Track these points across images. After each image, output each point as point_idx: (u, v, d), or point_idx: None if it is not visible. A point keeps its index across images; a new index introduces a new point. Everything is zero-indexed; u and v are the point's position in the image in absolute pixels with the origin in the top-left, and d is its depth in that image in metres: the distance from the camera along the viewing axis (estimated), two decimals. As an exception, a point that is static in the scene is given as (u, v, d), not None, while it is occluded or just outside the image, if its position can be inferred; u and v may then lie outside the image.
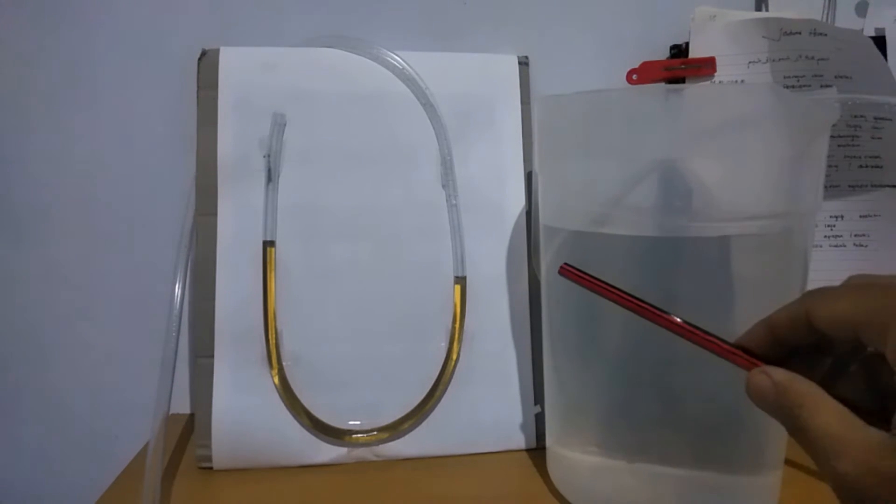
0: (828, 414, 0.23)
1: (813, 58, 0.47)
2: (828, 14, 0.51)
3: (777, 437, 0.38)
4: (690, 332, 0.29)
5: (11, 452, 0.54)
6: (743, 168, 0.34)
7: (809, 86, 0.47)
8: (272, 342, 0.46)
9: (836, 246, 0.49)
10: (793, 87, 0.48)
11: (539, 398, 0.48)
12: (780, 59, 0.48)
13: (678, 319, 0.29)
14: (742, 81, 0.49)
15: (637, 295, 0.30)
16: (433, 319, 0.48)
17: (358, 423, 0.46)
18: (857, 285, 0.25)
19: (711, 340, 0.28)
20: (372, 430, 0.46)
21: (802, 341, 0.26)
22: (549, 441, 0.44)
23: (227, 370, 0.46)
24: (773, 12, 0.52)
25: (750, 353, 0.27)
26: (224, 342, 0.46)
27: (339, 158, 0.48)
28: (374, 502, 0.42)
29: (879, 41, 0.50)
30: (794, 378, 0.25)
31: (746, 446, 0.37)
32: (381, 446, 0.46)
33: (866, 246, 0.49)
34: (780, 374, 0.25)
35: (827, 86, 0.47)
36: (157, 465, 0.41)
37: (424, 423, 0.47)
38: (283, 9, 0.52)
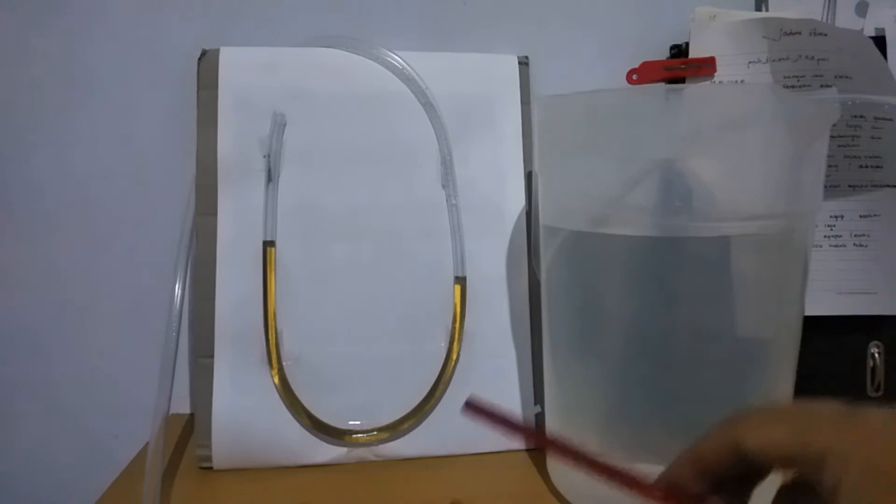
0: None
1: (813, 58, 0.47)
2: (828, 14, 0.51)
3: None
4: (593, 467, 0.26)
5: (12, 452, 0.54)
6: (743, 168, 0.34)
7: (809, 86, 0.47)
8: (272, 342, 0.46)
9: (836, 246, 0.49)
10: (793, 87, 0.48)
11: (539, 398, 0.47)
12: (780, 59, 0.48)
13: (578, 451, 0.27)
14: (742, 81, 0.49)
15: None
16: (433, 319, 0.48)
17: (358, 423, 0.46)
18: (788, 411, 0.24)
19: (628, 479, 0.26)
20: (372, 430, 0.46)
21: (730, 471, 0.25)
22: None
23: (227, 370, 0.46)
24: (773, 12, 0.52)
25: (674, 489, 0.25)
26: (224, 342, 0.46)
27: (339, 158, 0.48)
28: (374, 502, 0.42)
29: (879, 41, 0.50)
30: None
31: (746, 446, 0.37)
32: (381, 446, 0.46)
33: (866, 246, 0.49)
34: None
35: (827, 86, 0.47)
36: (157, 465, 0.41)
37: (424, 423, 0.47)
38: (282, 8, 0.52)
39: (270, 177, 0.47)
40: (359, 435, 0.46)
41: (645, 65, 0.51)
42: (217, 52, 0.48)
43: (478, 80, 0.50)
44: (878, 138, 0.48)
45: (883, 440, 0.21)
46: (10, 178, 0.52)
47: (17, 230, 0.53)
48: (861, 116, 0.48)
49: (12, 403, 0.54)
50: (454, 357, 0.47)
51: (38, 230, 0.53)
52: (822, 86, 0.47)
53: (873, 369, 0.50)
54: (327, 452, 0.46)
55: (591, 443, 0.40)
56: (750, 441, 0.23)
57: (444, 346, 0.48)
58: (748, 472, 0.24)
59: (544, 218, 0.41)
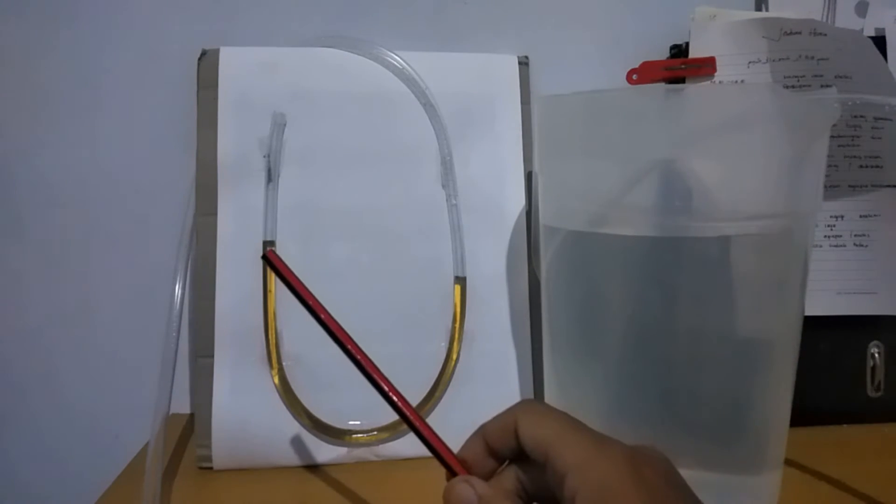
0: None
1: (813, 58, 0.47)
2: (828, 14, 0.51)
3: (777, 437, 0.38)
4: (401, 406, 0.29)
5: (12, 452, 0.54)
6: (743, 168, 0.34)
7: (809, 86, 0.47)
8: (272, 342, 0.46)
9: (836, 246, 0.49)
10: (793, 87, 0.48)
11: (539, 398, 0.47)
12: (780, 59, 0.48)
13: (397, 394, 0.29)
14: (742, 81, 0.49)
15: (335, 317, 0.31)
16: (433, 319, 0.48)
17: (358, 423, 0.46)
18: (562, 418, 0.26)
19: (427, 433, 0.28)
20: (372, 430, 0.46)
21: (511, 452, 0.27)
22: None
23: (227, 370, 0.46)
24: (773, 12, 0.52)
25: (462, 463, 0.28)
26: (224, 342, 0.46)
27: (339, 158, 0.48)
28: (373, 502, 0.42)
29: (879, 41, 0.50)
30: (496, 495, 0.26)
31: (746, 446, 0.37)
32: (381, 446, 0.46)
33: (866, 246, 0.49)
34: (482, 486, 0.26)
35: (827, 86, 0.47)
36: (157, 465, 0.41)
37: (424, 423, 0.47)
38: (282, 8, 0.52)
39: (270, 177, 0.47)
40: (359, 435, 0.46)
41: (645, 65, 0.51)
42: (217, 52, 0.48)
43: (478, 80, 0.50)
44: (878, 138, 0.48)
45: (620, 472, 0.23)
46: (11, 177, 0.52)
47: (17, 230, 0.53)
48: (861, 116, 0.48)
49: (13, 403, 0.54)
50: (454, 357, 0.47)
51: (39, 230, 0.53)
52: (822, 86, 0.47)
53: (873, 369, 0.50)
54: (327, 452, 0.46)
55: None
56: (522, 428, 0.26)
57: (444, 346, 0.48)
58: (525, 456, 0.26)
59: (544, 218, 0.41)
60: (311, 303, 0.30)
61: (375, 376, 0.29)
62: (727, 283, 0.36)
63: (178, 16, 0.51)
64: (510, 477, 0.27)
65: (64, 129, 0.52)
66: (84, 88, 0.52)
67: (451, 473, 0.27)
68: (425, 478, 0.44)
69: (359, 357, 0.29)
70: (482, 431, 0.28)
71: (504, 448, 0.27)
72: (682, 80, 0.50)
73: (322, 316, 0.30)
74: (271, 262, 0.30)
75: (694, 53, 0.50)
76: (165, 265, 0.47)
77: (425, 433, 0.28)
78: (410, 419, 0.28)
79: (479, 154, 0.50)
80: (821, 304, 0.48)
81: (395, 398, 0.29)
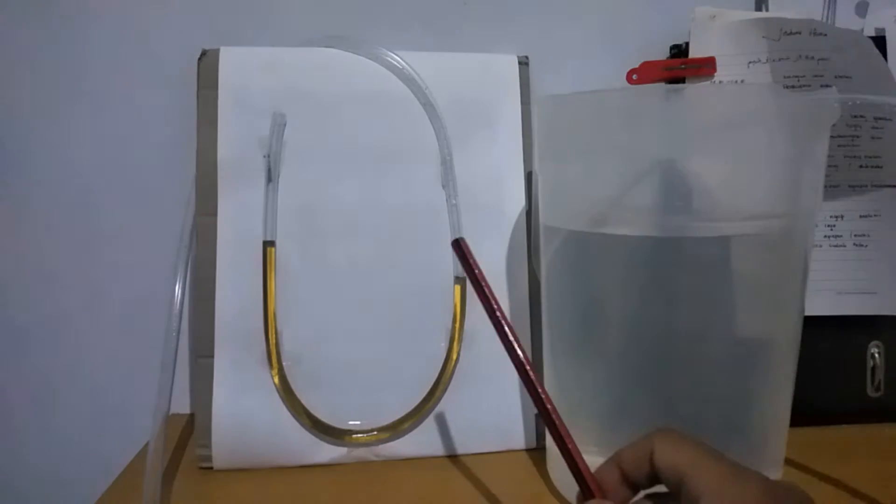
0: None
1: (813, 58, 0.47)
2: (828, 14, 0.51)
3: (777, 437, 0.38)
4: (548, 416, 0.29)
5: (12, 452, 0.54)
6: (743, 168, 0.35)
7: (809, 86, 0.47)
8: (272, 342, 0.46)
9: (836, 246, 0.49)
10: (793, 87, 0.48)
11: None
12: (780, 59, 0.48)
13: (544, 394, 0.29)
14: (742, 81, 0.49)
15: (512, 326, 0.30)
16: (433, 319, 0.48)
17: (358, 423, 0.46)
18: (700, 445, 0.26)
19: (570, 446, 0.28)
20: (372, 430, 0.46)
21: (646, 479, 0.27)
22: (549, 441, 0.44)
23: (227, 370, 0.46)
24: (773, 12, 0.52)
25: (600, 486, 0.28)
26: (224, 342, 0.46)
27: (339, 158, 0.48)
28: (374, 502, 0.42)
29: (879, 41, 0.50)
30: None
31: (746, 446, 0.37)
32: (381, 446, 0.46)
33: (866, 246, 0.49)
34: None
35: (827, 86, 0.47)
36: (157, 465, 0.41)
37: (424, 423, 0.47)
38: (282, 7, 0.52)
39: (270, 177, 0.47)
40: (359, 435, 0.46)
41: (645, 65, 0.51)
42: (217, 52, 0.48)
43: (478, 80, 0.50)
44: (879, 138, 0.48)
45: (759, 501, 0.23)
46: (11, 177, 0.52)
47: (18, 230, 0.53)
48: (861, 116, 0.48)
49: (12, 403, 0.54)
50: (454, 357, 0.47)
51: (39, 230, 0.53)
52: (822, 86, 0.47)
53: (873, 369, 0.50)
54: (327, 452, 0.46)
55: (591, 442, 0.40)
56: (658, 453, 0.26)
57: (444, 346, 0.48)
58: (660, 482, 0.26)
59: (544, 218, 0.41)
60: (490, 300, 0.30)
61: (539, 389, 0.29)
62: (727, 284, 0.36)
63: (179, 16, 0.51)
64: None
65: (63, 129, 0.52)
66: (84, 89, 0.52)
67: (586, 495, 0.27)
68: (425, 478, 0.44)
69: (528, 367, 0.29)
70: (617, 458, 0.27)
71: (638, 474, 0.26)
72: (682, 80, 0.50)
73: (498, 314, 0.30)
74: (461, 249, 0.31)
75: (694, 53, 0.50)
76: (165, 265, 0.47)
77: (574, 453, 0.28)
78: (563, 437, 0.28)
79: (479, 154, 0.50)
80: (821, 304, 0.48)
81: (554, 418, 0.29)
